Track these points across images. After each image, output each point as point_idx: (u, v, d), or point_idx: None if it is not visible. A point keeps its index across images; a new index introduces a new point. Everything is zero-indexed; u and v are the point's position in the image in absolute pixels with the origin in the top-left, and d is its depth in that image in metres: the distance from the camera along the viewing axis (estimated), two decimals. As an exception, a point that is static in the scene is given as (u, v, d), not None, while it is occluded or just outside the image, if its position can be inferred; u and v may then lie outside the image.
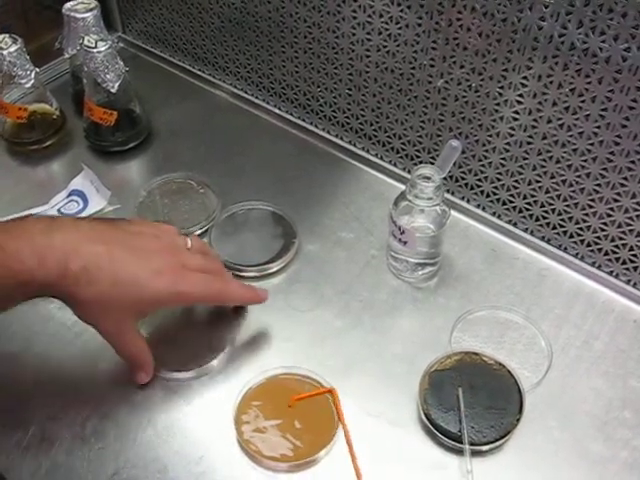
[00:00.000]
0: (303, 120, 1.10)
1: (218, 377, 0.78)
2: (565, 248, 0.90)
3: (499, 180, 0.91)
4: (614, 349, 0.81)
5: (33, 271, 0.65)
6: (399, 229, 0.83)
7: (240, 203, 0.95)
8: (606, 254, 0.87)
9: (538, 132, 0.83)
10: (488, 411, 0.73)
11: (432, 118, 0.93)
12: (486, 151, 0.90)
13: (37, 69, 1.01)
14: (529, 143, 0.85)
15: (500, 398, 0.74)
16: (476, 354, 0.78)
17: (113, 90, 0.98)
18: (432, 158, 0.96)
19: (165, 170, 1.00)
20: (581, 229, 0.87)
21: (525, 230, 0.93)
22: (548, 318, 0.84)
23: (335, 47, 0.97)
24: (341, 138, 1.06)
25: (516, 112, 0.84)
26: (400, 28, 0.88)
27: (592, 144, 0.80)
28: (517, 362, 0.79)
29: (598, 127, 0.78)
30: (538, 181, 0.87)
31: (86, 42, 0.95)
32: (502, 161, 0.89)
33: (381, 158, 1.03)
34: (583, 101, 0.78)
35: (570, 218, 0.87)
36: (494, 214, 0.95)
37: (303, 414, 0.74)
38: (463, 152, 0.91)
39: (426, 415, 0.73)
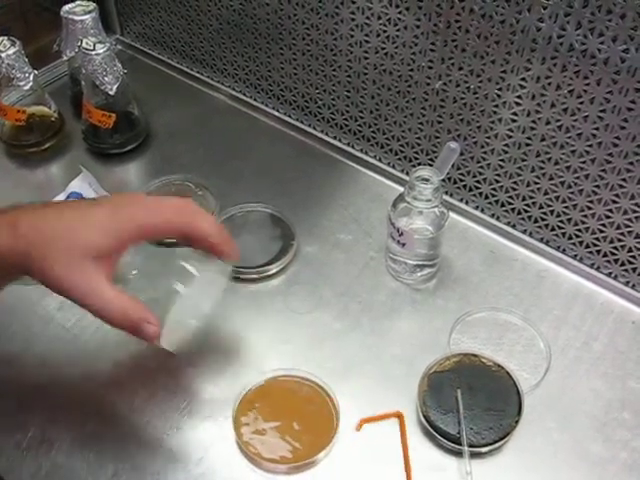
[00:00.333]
0: (301, 122, 1.10)
1: (217, 379, 0.78)
2: (564, 250, 0.90)
3: (498, 182, 0.91)
4: (613, 350, 0.81)
5: None
6: (398, 231, 0.83)
7: (238, 205, 0.95)
8: (605, 255, 0.87)
9: (537, 134, 0.84)
10: (487, 413, 0.73)
11: (430, 120, 0.93)
12: (484, 153, 0.90)
13: (35, 71, 1.01)
14: (528, 145, 0.85)
15: (499, 400, 0.74)
16: (475, 356, 0.78)
17: (111, 92, 0.98)
18: (430, 160, 0.96)
19: (163, 172, 1.00)
20: (580, 231, 0.87)
21: (524, 232, 0.93)
22: (547, 319, 0.84)
23: (333, 49, 0.97)
24: (339, 140, 1.06)
25: (515, 114, 0.84)
26: (398, 30, 0.88)
27: (591, 145, 0.80)
28: (516, 363, 0.79)
29: (597, 128, 0.78)
30: (537, 183, 0.88)
31: (84, 44, 0.95)
32: (501, 163, 0.89)
33: (379, 160, 1.03)
34: (582, 102, 0.78)
35: (569, 220, 0.88)
36: (493, 216, 0.95)
37: (302, 416, 0.74)
38: (461, 154, 0.91)
39: (425, 417, 0.73)
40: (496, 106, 0.85)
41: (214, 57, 1.15)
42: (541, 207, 0.89)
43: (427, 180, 0.80)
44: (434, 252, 0.86)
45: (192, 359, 0.79)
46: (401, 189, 0.84)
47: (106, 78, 0.97)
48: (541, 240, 0.92)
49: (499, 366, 0.77)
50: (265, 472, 0.71)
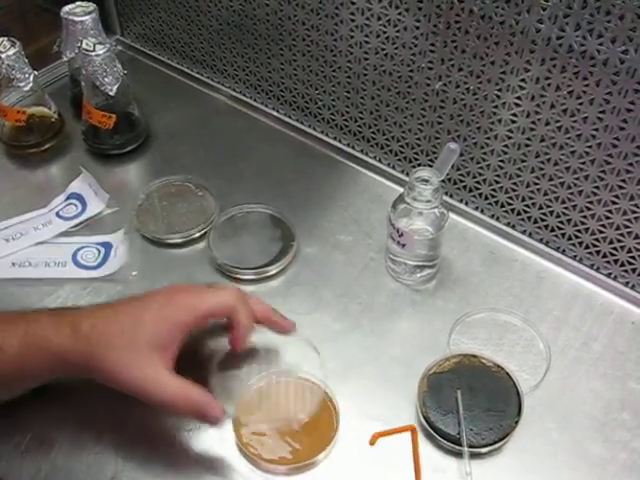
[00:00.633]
0: (301, 123, 1.10)
1: (216, 380, 0.78)
2: (563, 250, 0.90)
3: (497, 182, 0.91)
4: (613, 351, 0.81)
5: (51, 337, 0.68)
6: (397, 232, 0.83)
7: (239, 206, 0.95)
8: (604, 256, 0.87)
9: (536, 134, 0.84)
10: (487, 413, 0.73)
11: (430, 120, 0.93)
12: (484, 153, 0.90)
13: (36, 72, 1.01)
14: (527, 145, 0.85)
15: (499, 400, 0.74)
16: (475, 356, 0.78)
17: (112, 93, 0.98)
18: (430, 161, 0.96)
19: (164, 173, 1.00)
20: (579, 231, 0.87)
21: (523, 232, 0.93)
22: (547, 320, 0.84)
23: (333, 50, 0.97)
24: (339, 141, 1.06)
25: (514, 114, 0.84)
26: (398, 31, 0.88)
27: (590, 146, 0.80)
28: (516, 364, 0.79)
29: (596, 129, 0.79)
30: (536, 183, 0.88)
31: (84, 45, 0.95)
32: (500, 163, 0.89)
33: (379, 161, 1.03)
34: (581, 103, 0.78)
35: (568, 220, 0.88)
36: (492, 216, 0.95)
37: (301, 416, 0.74)
38: (461, 154, 0.91)
39: (425, 418, 0.73)
40: (496, 107, 0.85)
41: (214, 58, 1.15)
42: (541, 208, 0.89)
43: (427, 181, 0.80)
44: (434, 253, 0.86)
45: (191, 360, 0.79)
46: (401, 190, 0.84)
47: (106, 79, 0.97)
48: (541, 241, 0.92)
49: (499, 367, 0.77)
50: (265, 473, 0.71)
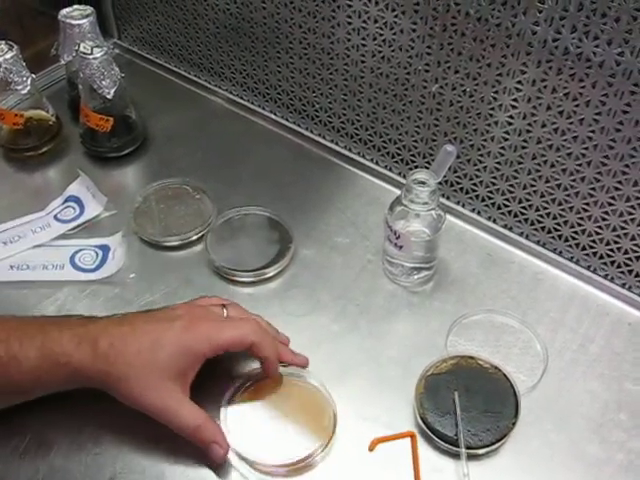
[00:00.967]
0: (299, 125, 1.10)
1: (214, 381, 0.78)
2: (560, 252, 0.90)
3: (494, 184, 0.91)
4: (609, 352, 0.81)
5: (71, 353, 0.68)
6: (395, 234, 0.83)
7: (236, 208, 0.96)
8: (601, 257, 0.87)
9: (532, 136, 0.84)
10: (484, 414, 0.73)
11: (427, 123, 0.93)
12: (481, 155, 0.90)
13: (33, 75, 1.01)
14: (524, 147, 0.86)
15: (496, 401, 0.74)
16: (472, 358, 0.78)
17: (109, 96, 0.98)
18: (427, 163, 0.97)
19: (161, 176, 1.01)
20: (576, 233, 0.88)
21: (520, 234, 0.93)
22: (544, 322, 0.84)
23: (330, 53, 0.97)
24: (336, 143, 1.07)
25: (510, 117, 0.84)
26: (395, 34, 0.88)
27: (586, 148, 0.80)
28: (513, 366, 0.79)
29: (592, 131, 0.79)
30: (533, 185, 0.88)
31: (82, 49, 0.95)
32: (497, 165, 0.89)
33: (376, 163, 1.03)
34: (577, 105, 0.78)
35: (565, 222, 0.88)
36: (489, 218, 0.95)
37: (299, 418, 0.74)
38: (458, 157, 0.91)
39: (422, 419, 0.73)
40: (492, 109, 0.85)
41: (211, 61, 1.16)
42: (537, 210, 0.89)
43: (424, 183, 0.80)
44: (431, 255, 0.87)
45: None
46: (398, 192, 0.84)
47: (104, 82, 0.97)
48: (538, 242, 0.92)
49: (496, 368, 0.77)
50: (263, 475, 0.71)
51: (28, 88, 0.99)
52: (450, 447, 0.71)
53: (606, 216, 0.84)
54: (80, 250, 0.92)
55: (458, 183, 0.95)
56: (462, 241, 0.94)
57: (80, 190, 0.98)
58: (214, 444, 0.70)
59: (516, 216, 0.92)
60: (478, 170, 0.92)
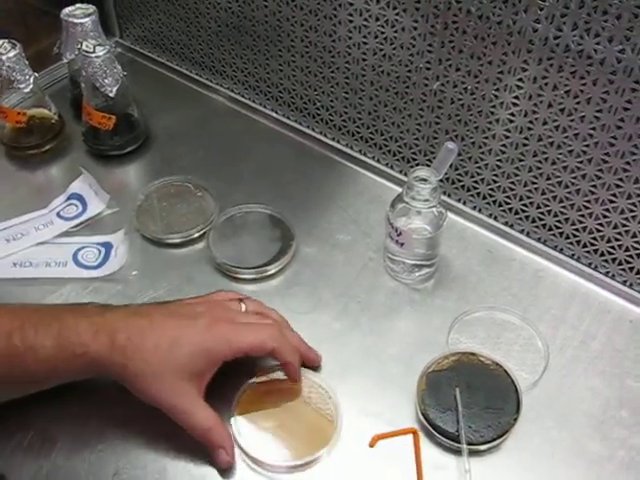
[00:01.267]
0: (300, 123, 1.10)
1: (216, 379, 0.78)
2: (561, 249, 0.91)
3: (495, 182, 0.92)
4: (611, 349, 0.81)
5: (88, 343, 0.68)
6: (396, 231, 0.83)
7: (238, 206, 0.96)
8: (602, 255, 0.87)
9: (534, 134, 0.84)
10: (485, 411, 0.73)
11: (428, 120, 0.93)
12: (482, 153, 0.90)
13: (36, 74, 1.01)
14: (525, 145, 0.86)
15: (497, 398, 0.74)
16: (473, 354, 0.78)
17: (111, 94, 0.98)
18: (428, 160, 0.97)
19: (163, 174, 1.01)
20: (577, 230, 0.88)
21: (521, 231, 0.93)
22: (545, 319, 0.84)
23: (331, 50, 0.97)
24: (338, 141, 1.07)
25: (512, 114, 0.84)
26: (396, 31, 0.88)
27: (587, 145, 0.80)
28: (514, 363, 0.79)
29: (593, 128, 0.79)
30: (534, 182, 0.88)
31: (84, 47, 0.96)
32: (498, 163, 0.90)
33: (378, 161, 1.03)
34: (578, 103, 0.78)
35: (566, 219, 0.88)
36: (490, 216, 0.95)
37: (302, 415, 0.74)
38: (459, 154, 0.91)
39: (424, 415, 0.73)
40: (493, 107, 0.85)
41: (213, 59, 1.16)
42: (538, 207, 0.90)
43: (425, 180, 0.81)
44: (432, 252, 0.87)
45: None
46: (399, 189, 0.84)
47: (106, 80, 0.97)
48: (539, 240, 0.92)
49: (497, 365, 0.77)
50: (265, 471, 0.71)
51: (31, 86, 1.00)
52: (452, 443, 0.72)
53: (607, 213, 0.84)
54: (83, 247, 0.92)
55: (459, 180, 0.95)
56: (463, 238, 0.94)
57: (82, 188, 0.98)
58: (221, 449, 0.70)
59: (517, 213, 0.92)
60: (479, 167, 0.92)
